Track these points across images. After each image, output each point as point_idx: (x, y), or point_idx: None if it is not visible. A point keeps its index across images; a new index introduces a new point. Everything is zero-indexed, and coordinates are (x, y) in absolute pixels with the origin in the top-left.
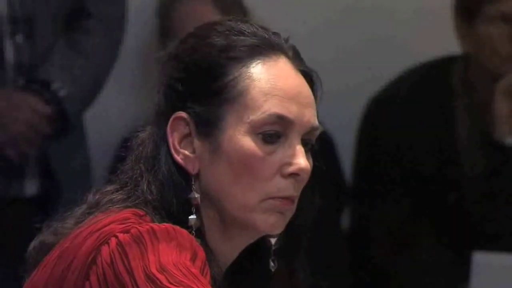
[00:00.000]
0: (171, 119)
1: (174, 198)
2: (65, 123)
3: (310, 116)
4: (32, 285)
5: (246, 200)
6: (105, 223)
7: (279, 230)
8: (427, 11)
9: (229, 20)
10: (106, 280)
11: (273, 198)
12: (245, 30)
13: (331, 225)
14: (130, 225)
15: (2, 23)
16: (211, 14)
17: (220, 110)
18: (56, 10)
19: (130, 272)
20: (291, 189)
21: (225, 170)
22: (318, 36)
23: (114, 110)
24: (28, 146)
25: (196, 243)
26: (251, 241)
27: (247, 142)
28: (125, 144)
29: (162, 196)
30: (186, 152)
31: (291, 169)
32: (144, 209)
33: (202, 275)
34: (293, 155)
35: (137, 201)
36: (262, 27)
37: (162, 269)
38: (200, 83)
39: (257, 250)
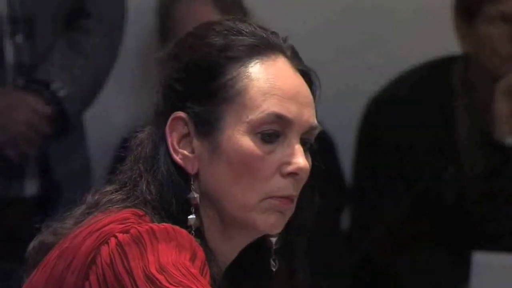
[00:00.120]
0: (170, 119)
1: (173, 198)
2: (65, 123)
3: (309, 116)
4: (31, 285)
5: (246, 200)
6: (104, 223)
7: (278, 229)
8: (427, 11)
9: (228, 20)
10: (105, 280)
11: (272, 197)
12: (243, 30)
13: (331, 225)
14: (129, 225)
15: (2, 23)
16: (211, 14)
17: (219, 109)
18: (56, 10)
19: (129, 272)
20: (291, 188)
21: (224, 170)
22: (318, 36)
23: (114, 110)
24: (28, 146)
25: (195, 243)
26: (251, 240)
27: (246, 142)
28: (124, 145)
29: (161, 196)
30: (185, 152)
31: (290, 168)
32: (144, 209)
33: (202, 275)
34: (292, 155)
35: (136, 201)
36: (261, 27)
37: (162, 269)
38: (199, 83)
39: (257, 249)
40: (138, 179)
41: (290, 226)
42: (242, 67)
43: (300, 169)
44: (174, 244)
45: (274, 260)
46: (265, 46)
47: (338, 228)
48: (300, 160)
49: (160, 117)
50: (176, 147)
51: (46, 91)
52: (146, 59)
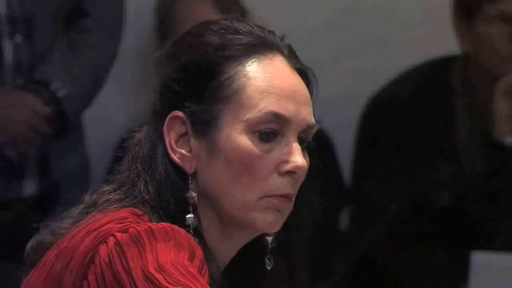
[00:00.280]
0: (167, 119)
1: (172, 198)
2: (65, 123)
3: (306, 114)
4: (29, 285)
5: (245, 199)
6: (102, 223)
7: (277, 228)
8: (427, 11)
9: (225, 19)
10: (104, 280)
11: (271, 196)
12: (240, 29)
13: (331, 225)
14: (128, 224)
15: (1, 23)
16: (210, 14)
17: (216, 109)
18: (55, 10)
19: (128, 272)
20: (289, 187)
21: (222, 169)
22: (318, 36)
23: (113, 110)
24: (28, 146)
25: (194, 242)
26: (249, 239)
27: (244, 141)
28: (122, 145)
29: (160, 196)
30: (183, 151)
31: (288, 167)
32: (142, 208)
33: (200, 274)
34: (289, 153)
35: (134, 201)
36: (258, 26)
37: (160, 269)
38: (196, 82)
39: (254, 248)
40: (136, 178)
41: (288, 225)
42: (239, 66)
43: (298, 167)
44: (173, 244)
45: (269, 259)
46: (262, 45)
47: (337, 228)
48: (298, 158)
49: (158, 117)
50: (174, 146)
51: (45, 91)
52: (145, 59)
